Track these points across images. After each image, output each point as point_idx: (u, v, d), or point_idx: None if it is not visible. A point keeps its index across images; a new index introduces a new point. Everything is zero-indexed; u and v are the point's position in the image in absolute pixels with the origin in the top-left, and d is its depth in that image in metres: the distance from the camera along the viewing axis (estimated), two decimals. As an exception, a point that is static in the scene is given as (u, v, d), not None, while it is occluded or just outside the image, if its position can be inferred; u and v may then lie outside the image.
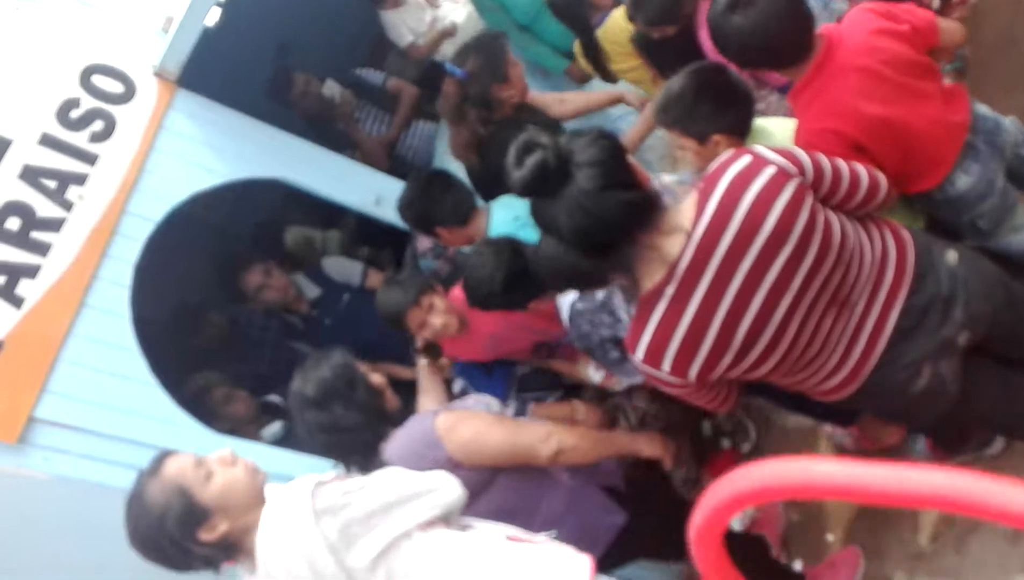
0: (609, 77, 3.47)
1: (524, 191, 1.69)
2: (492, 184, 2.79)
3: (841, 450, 3.03)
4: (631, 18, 2.88)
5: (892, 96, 2.04)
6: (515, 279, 2.42)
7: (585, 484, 2.35)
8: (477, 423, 2.23)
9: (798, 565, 3.05)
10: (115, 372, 2.54)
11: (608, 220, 1.67)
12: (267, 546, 1.77)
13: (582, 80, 3.84)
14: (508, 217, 2.83)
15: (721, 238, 1.68)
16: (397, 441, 2.24)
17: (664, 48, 2.89)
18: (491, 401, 2.44)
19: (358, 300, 3.61)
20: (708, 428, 3.58)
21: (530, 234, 2.46)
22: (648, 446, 2.42)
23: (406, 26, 4.03)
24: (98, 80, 2.92)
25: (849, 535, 2.92)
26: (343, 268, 3.76)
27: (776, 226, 1.67)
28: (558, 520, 2.29)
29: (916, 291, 1.82)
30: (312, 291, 3.67)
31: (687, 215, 1.73)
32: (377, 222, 3.37)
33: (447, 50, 4.00)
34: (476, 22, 4.02)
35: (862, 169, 1.88)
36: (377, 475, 1.94)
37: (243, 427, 3.07)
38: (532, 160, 1.65)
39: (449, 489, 1.91)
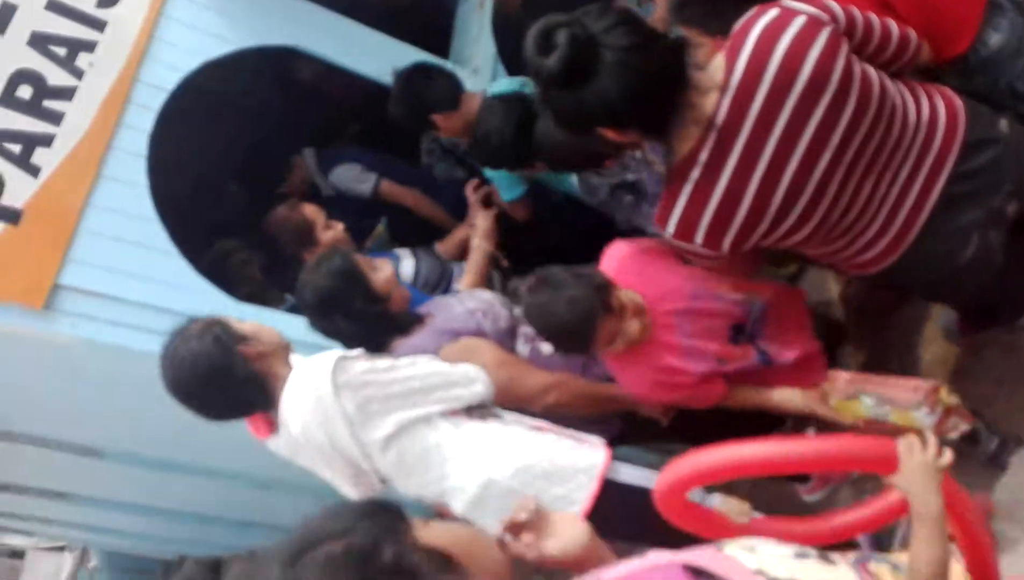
0: None
1: (560, 76, 1.54)
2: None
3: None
4: None
5: None
6: (527, 131, 2.34)
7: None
8: (479, 358, 2.12)
9: (810, 431, 3.08)
10: (136, 241, 2.58)
11: (658, 70, 1.57)
12: (289, 410, 1.85)
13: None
14: (514, 84, 2.78)
15: (756, 91, 1.60)
16: (406, 347, 2.20)
17: None
18: (500, 313, 2.29)
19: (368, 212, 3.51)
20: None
21: None
22: (648, 406, 2.31)
23: None
24: (104, -59, 2.81)
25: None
26: (355, 178, 3.52)
27: (812, 74, 1.58)
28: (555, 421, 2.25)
29: (966, 157, 1.74)
30: (327, 189, 3.60)
31: (719, 72, 1.64)
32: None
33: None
34: None
35: (890, 21, 1.78)
36: (407, 360, 1.96)
37: (263, 294, 3.13)
38: (562, 37, 1.52)
39: (477, 384, 1.94)
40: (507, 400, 2.11)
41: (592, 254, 2.15)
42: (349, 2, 3.37)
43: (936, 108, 1.76)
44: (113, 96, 2.67)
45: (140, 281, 2.54)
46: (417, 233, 3.29)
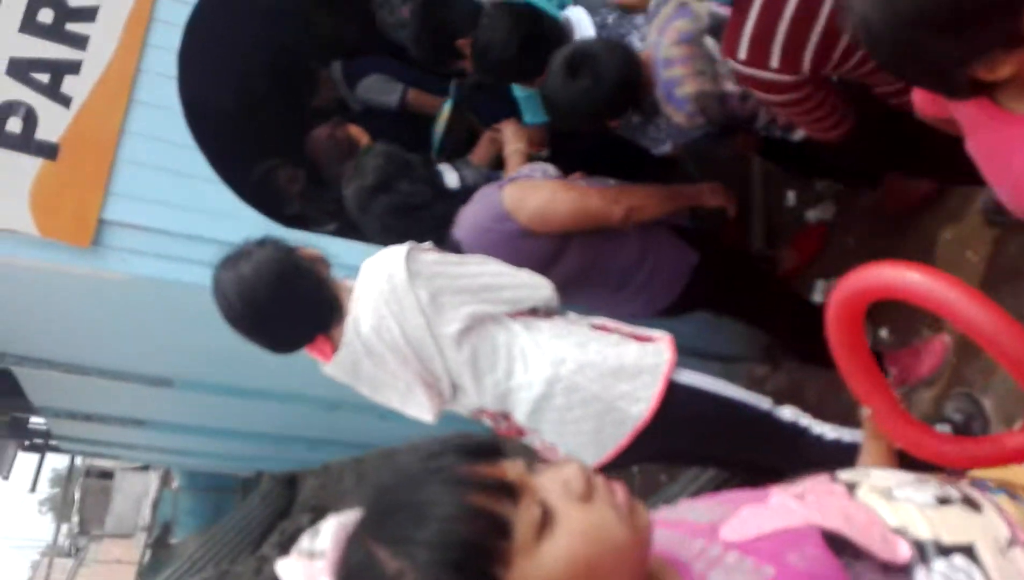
0: None
1: None
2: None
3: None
4: None
5: None
6: (533, 44, 2.28)
7: (654, 227, 2.33)
8: (544, 191, 2.18)
9: (884, 332, 2.98)
10: (175, 169, 2.48)
11: None
12: (362, 304, 1.78)
13: None
14: None
15: None
16: (466, 219, 2.21)
17: None
18: (547, 167, 2.35)
19: (398, 125, 3.34)
20: (792, 198, 3.40)
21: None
22: (711, 196, 2.38)
23: None
24: None
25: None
26: (378, 89, 3.39)
27: None
28: (634, 268, 2.31)
29: None
30: (354, 103, 3.46)
31: None
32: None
33: None
34: None
35: None
36: (474, 258, 1.94)
37: (308, 215, 3.04)
38: None
39: (540, 288, 1.90)
40: (585, 220, 2.17)
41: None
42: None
43: None
44: (136, 15, 2.53)
45: (184, 211, 2.46)
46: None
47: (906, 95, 1.71)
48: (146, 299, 2.49)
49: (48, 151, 2.35)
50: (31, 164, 2.33)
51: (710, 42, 1.93)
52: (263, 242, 1.80)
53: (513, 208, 2.15)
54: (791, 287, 2.95)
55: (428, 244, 1.92)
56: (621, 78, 2.11)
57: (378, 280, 1.77)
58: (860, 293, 1.04)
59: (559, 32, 2.31)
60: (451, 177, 2.81)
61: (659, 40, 2.09)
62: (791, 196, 3.37)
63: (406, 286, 1.74)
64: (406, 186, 2.18)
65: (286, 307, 1.77)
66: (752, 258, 3.17)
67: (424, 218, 2.20)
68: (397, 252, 1.79)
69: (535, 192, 2.18)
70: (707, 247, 2.42)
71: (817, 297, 3.13)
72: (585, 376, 1.80)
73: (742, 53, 1.58)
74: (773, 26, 1.52)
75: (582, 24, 2.43)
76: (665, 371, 1.86)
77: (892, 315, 2.95)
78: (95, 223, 2.34)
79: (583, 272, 2.27)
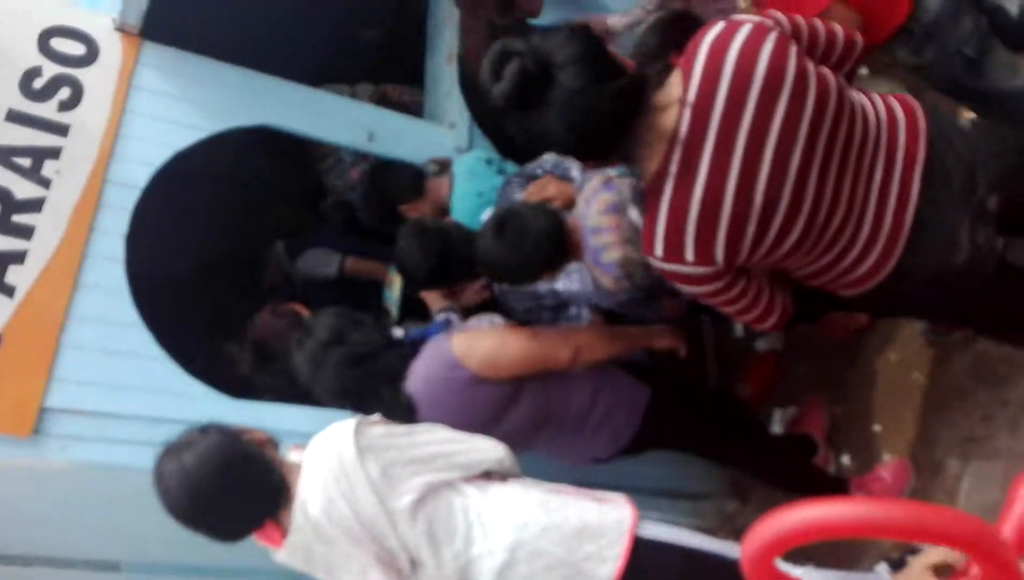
0: None
1: (507, 103, 1.59)
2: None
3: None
4: None
5: None
6: (441, 269, 2.44)
7: (605, 367, 2.39)
8: (492, 337, 2.25)
9: (845, 459, 2.98)
10: (121, 350, 2.46)
11: (604, 113, 1.60)
12: (308, 486, 1.73)
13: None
14: (471, 192, 2.77)
15: (715, 97, 1.60)
16: (417, 372, 2.23)
17: None
18: (494, 317, 2.42)
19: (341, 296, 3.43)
20: (740, 329, 3.46)
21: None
22: (660, 338, 2.43)
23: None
24: (57, 44, 2.74)
25: (896, 424, 2.84)
26: (318, 261, 3.53)
27: (767, 72, 1.59)
28: (588, 409, 2.34)
29: (935, 154, 1.73)
30: (297, 278, 3.57)
31: (676, 87, 1.65)
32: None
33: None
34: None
35: (834, 24, 1.81)
36: (423, 426, 1.92)
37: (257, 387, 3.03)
38: (511, 69, 1.55)
39: (493, 450, 1.89)
40: (534, 362, 2.20)
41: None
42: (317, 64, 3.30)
43: (892, 107, 1.78)
44: (84, 201, 2.58)
45: (130, 392, 2.43)
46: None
47: (819, 278, 1.84)
48: (91, 485, 2.41)
49: (-10, 342, 2.33)
50: (-29, 357, 2.30)
51: (634, 212, 2.05)
52: (206, 429, 1.77)
53: (463, 355, 2.19)
54: (750, 415, 2.97)
55: (376, 416, 1.91)
56: (545, 237, 2.20)
57: (326, 459, 1.74)
58: (766, 550, 1.05)
59: (470, 240, 2.40)
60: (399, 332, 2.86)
61: (587, 210, 2.20)
62: (738, 327, 3.45)
63: (355, 463, 1.71)
64: (359, 336, 2.22)
65: (232, 497, 1.72)
66: (707, 390, 3.21)
67: (378, 366, 2.22)
68: (345, 428, 1.78)
69: (483, 338, 2.24)
70: (660, 382, 2.47)
71: (775, 427, 3.15)
72: (549, 539, 1.76)
73: (658, 250, 1.69)
74: (682, 224, 1.64)
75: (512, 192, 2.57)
76: (629, 527, 1.83)
77: (853, 440, 2.97)
78: (36, 411, 2.29)
79: (538, 417, 2.31)
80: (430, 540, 1.76)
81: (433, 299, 2.75)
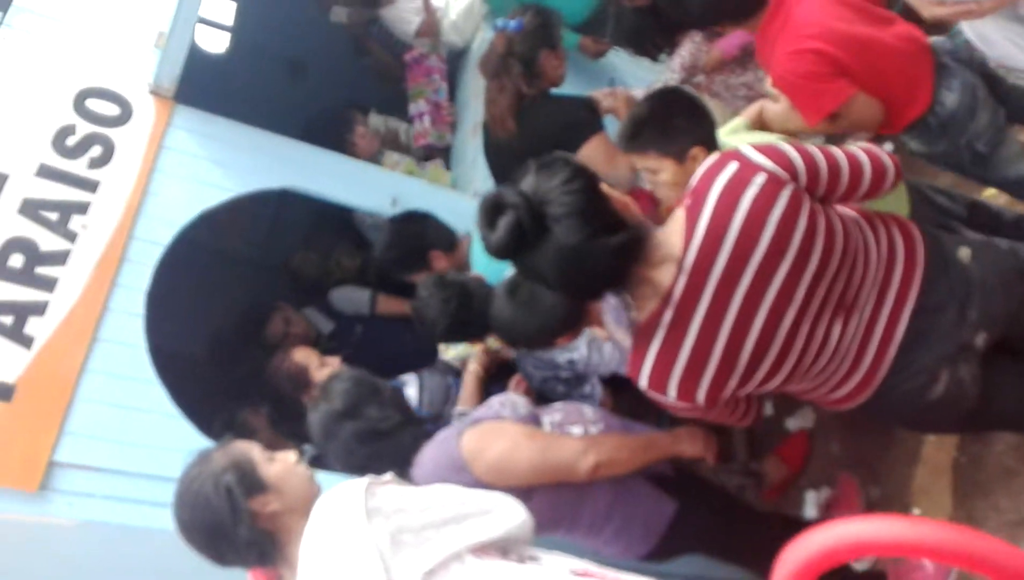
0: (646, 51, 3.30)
1: (502, 254, 1.57)
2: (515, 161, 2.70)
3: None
4: None
5: (857, 18, 2.04)
6: (458, 326, 2.45)
7: (628, 476, 2.21)
8: (504, 442, 2.07)
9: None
10: (135, 406, 2.40)
11: (598, 269, 1.57)
12: (311, 545, 1.62)
13: (597, 54, 3.66)
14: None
15: (714, 262, 1.57)
16: (424, 464, 2.12)
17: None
18: (518, 401, 2.25)
19: (372, 329, 3.48)
20: (769, 408, 3.36)
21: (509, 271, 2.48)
22: (690, 445, 2.27)
23: (407, 15, 3.89)
24: (93, 104, 2.79)
25: (936, 507, 2.70)
26: (350, 298, 3.58)
27: (772, 241, 1.55)
28: (604, 520, 2.18)
29: (928, 291, 1.71)
30: (326, 326, 3.55)
31: (676, 241, 1.61)
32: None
33: (450, 37, 3.86)
34: (478, 9, 3.85)
35: (860, 152, 1.73)
36: (436, 487, 1.79)
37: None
38: (505, 222, 1.51)
39: (511, 513, 1.75)
40: (547, 474, 2.04)
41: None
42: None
43: (893, 240, 1.75)
44: (108, 256, 2.57)
45: (143, 449, 2.35)
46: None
47: (801, 396, 1.87)
48: (97, 545, 2.30)
49: (3, 393, 2.27)
50: (-17, 407, 2.24)
51: (620, 333, 2.04)
52: (223, 474, 1.70)
53: (470, 458, 2.05)
54: (778, 514, 2.84)
55: (388, 475, 1.82)
56: (559, 302, 2.15)
57: (330, 524, 1.62)
58: (807, 569, 0.97)
59: (488, 298, 2.39)
60: (411, 390, 2.79)
61: None
62: (768, 405, 3.34)
63: (363, 527, 1.58)
64: (374, 411, 2.13)
65: (214, 550, 1.70)
66: (739, 497, 3.05)
67: (390, 446, 2.12)
68: (355, 489, 1.65)
69: (495, 441, 2.07)
70: (687, 494, 2.30)
71: (809, 511, 3.01)
72: None
73: (643, 383, 1.68)
74: (668, 371, 1.63)
75: None
76: None
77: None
78: (45, 466, 2.21)
79: (548, 524, 2.13)
80: None
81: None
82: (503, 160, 2.92)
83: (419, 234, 2.85)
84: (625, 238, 1.57)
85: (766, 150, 1.63)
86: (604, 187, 1.61)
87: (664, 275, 1.60)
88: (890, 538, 0.91)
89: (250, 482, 1.69)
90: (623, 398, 2.77)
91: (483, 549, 1.67)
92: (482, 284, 2.49)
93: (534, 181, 1.56)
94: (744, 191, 1.57)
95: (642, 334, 1.66)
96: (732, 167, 1.61)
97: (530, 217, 1.51)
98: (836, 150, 1.70)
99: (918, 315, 1.71)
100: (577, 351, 2.58)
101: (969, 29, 2.15)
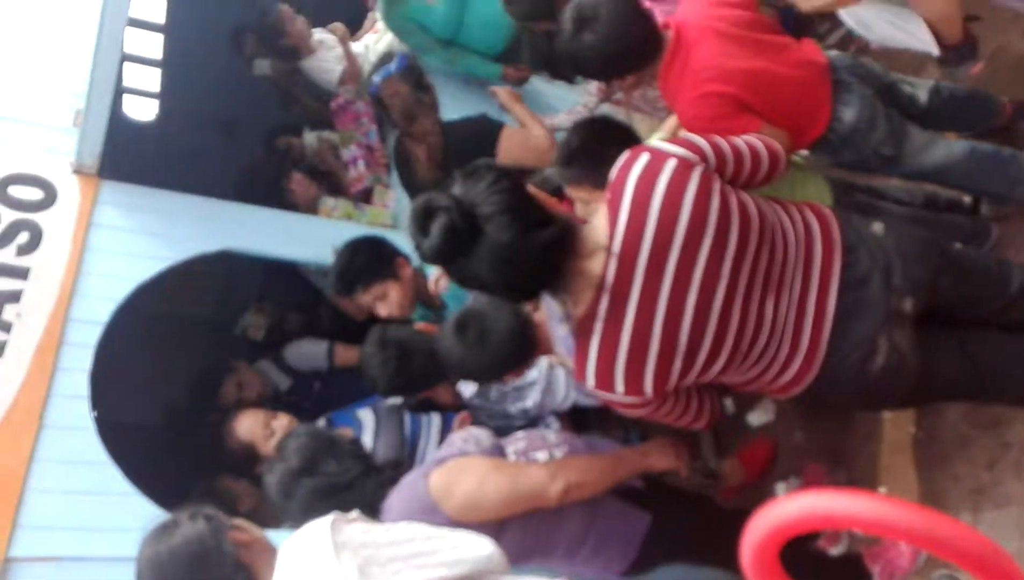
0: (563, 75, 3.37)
1: (437, 259, 1.59)
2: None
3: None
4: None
5: (751, 52, 2.12)
6: (400, 383, 2.48)
7: (599, 496, 2.18)
8: (472, 477, 2.04)
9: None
10: (89, 490, 2.37)
11: (533, 264, 1.60)
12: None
13: (519, 81, 3.71)
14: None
15: (640, 245, 1.62)
16: (392, 510, 2.08)
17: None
18: (480, 435, 2.24)
19: (330, 383, 3.45)
20: (730, 405, 3.39)
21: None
22: (660, 457, 2.28)
23: (328, 64, 3.92)
24: (15, 190, 2.78)
25: (902, 484, 2.74)
26: (306, 355, 3.53)
27: (690, 220, 1.62)
28: (579, 543, 2.16)
29: (850, 264, 1.78)
30: (284, 382, 3.50)
31: (602, 232, 1.66)
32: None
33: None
34: (398, 49, 3.90)
35: (756, 141, 1.85)
36: (402, 524, 1.78)
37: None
38: (437, 225, 1.53)
39: (478, 547, 1.75)
40: (519, 504, 2.02)
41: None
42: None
43: (808, 220, 1.82)
44: (45, 342, 2.55)
45: (102, 533, 2.31)
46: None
47: (749, 386, 1.89)
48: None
49: (-50, 493, 2.23)
50: (-70, 512, 2.19)
51: (562, 330, 2.07)
52: (195, 515, 1.70)
53: (440, 498, 2.03)
54: (750, 510, 2.85)
55: (354, 512, 1.81)
56: (508, 334, 2.17)
57: (300, 558, 1.63)
58: (773, 535, 1.00)
59: (431, 353, 2.38)
60: (367, 437, 2.77)
61: (551, 300, 2.18)
62: (728, 403, 3.38)
63: (332, 561, 1.60)
64: (332, 466, 2.09)
65: (198, 551, 1.65)
66: (710, 499, 3.06)
67: (352, 498, 2.07)
68: (320, 525, 1.65)
69: (463, 477, 2.05)
70: (659, 504, 2.29)
71: (781, 502, 3.02)
72: None
73: (590, 381, 1.71)
74: (611, 363, 1.67)
75: None
76: None
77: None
78: (0, 563, 2.17)
79: (523, 553, 2.12)
80: None
81: None
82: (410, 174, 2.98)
83: (379, 243, 2.76)
84: (556, 232, 1.61)
85: (674, 140, 1.73)
86: (530, 187, 1.66)
87: (595, 264, 1.64)
88: (839, 510, 0.92)
89: (222, 516, 1.72)
90: (589, 415, 2.79)
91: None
92: (425, 339, 2.48)
93: (462, 187, 1.59)
94: (658, 176, 1.64)
95: (582, 330, 1.69)
96: (644, 158, 1.68)
97: (462, 218, 1.54)
98: (736, 139, 1.81)
99: (846, 289, 1.76)
100: (531, 399, 2.59)
101: (848, 16, 2.24)
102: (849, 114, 2.17)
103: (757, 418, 3.30)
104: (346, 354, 3.44)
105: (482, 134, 2.98)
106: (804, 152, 2.88)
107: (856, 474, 2.92)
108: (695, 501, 2.71)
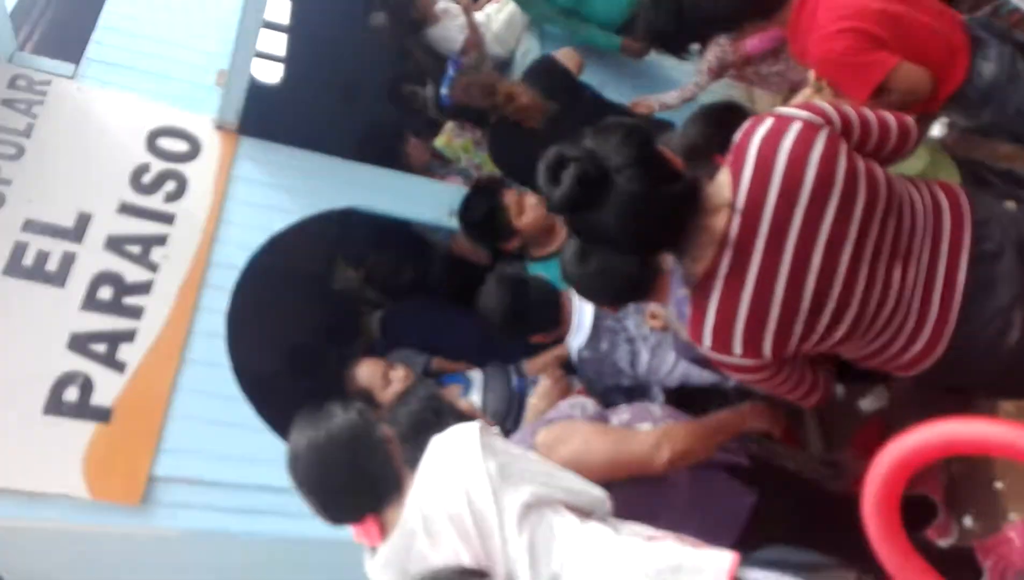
0: (674, 50, 3.34)
1: (566, 208, 1.60)
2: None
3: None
4: None
5: None
6: (513, 319, 2.50)
7: (705, 470, 2.20)
8: (576, 440, 2.08)
9: (968, 520, 2.78)
10: (225, 421, 2.53)
11: (662, 217, 1.61)
12: (427, 475, 1.70)
13: (639, 54, 3.71)
14: None
15: (765, 203, 1.60)
16: None
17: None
18: (586, 402, 2.28)
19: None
20: (840, 391, 3.33)
21: None
22: (757, 419, 2.26)
23: (452, 32, 4.00)
24: (164, 142, 2.96)
25: (1021, 480, 2.65)
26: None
27: (816, 178, 1.59)
28: (683, 516, 2.15)
29: (981, 238, 1.73)
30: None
31: (726, 189, 1.65)
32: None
33: (494, 49, 3.96)
34: (519, 19, 3.95)
35: (885, 112, 1.78)
36: (533, 454, 1.90)
37: None
38: (569, 174, 1.56)
39: (595, 489, 1.82)
40: (621, 469, 2.03)
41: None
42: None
43: (936, 195, 1.78)
44: (188, 283, 2.72)
45: (235, 461, 2.47)
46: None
47: (870, 361, 1.84)
48: (198, 553, 2.43)
49: (102, 415, 2.42)
50: (85, 429, 2.38)
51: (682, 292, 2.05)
52: (347, 406, 1.76)
53: (545, 455, 2.05)
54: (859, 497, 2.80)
55: (495, 428, 1.89)
56: (626, 270, 2.19)
57: (448, 452, 1.71)
58: (901, 466, 1.00)
59: (547, 294, 2.48)
60: (475, 395, 2.84)
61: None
62: (839, 388, 3.32)
63: (479, 457, 1.67)
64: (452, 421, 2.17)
65: (348, 476, 1.70)
66: (818, 484, 3.02)
67: None
68: (469, 427, 1.74)
69: (567, 439, 2.09)
70: (765, 484, 2.27)
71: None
72: (645, 575, 1.66)
73: (707, 342, 1.70)
74: (731, 323, 1.65)
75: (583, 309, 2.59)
76: (729, 567, 1.70)
77: (974, 500, 2.78)
78: (145, 480, 2.34)
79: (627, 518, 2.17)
80: (531, 554, 1.69)
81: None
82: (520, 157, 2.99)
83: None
84: (684, 187, 1.62)
85: (799, 104, 1.70)
86: (658, 145, 1.67)
87: (719, 220, 1.63)
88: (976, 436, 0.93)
89: (372, 430, 1.75)
90: (694, 401, 2.79)
91: (571, 509, 1.73)
92: (539, 280, 2.54)
93: (593, 141, 1.61)
94: (783, 136, 1.63)
95: (700, 290, 1.68)
96: (768, 122, 1.67)
97: (594, 168, 1.57)
98: (864, 108, 1.77)
99: (977, 263, 1.72)
100: (643, 354, 2.60)
101: None
102: (989, 69, 2.10)
103: (869, 403, 3.23)
104: (443, 365, 3.46)
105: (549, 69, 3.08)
106: (935, 132, 2.80)
107: (971, 467, 2.84)
108: (801, 483, 2.68)
